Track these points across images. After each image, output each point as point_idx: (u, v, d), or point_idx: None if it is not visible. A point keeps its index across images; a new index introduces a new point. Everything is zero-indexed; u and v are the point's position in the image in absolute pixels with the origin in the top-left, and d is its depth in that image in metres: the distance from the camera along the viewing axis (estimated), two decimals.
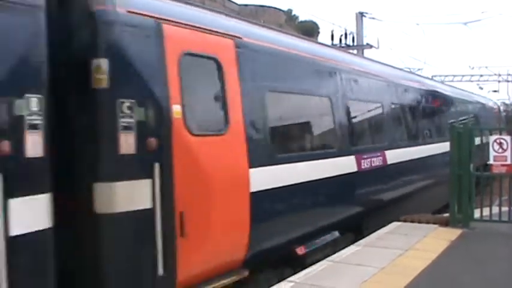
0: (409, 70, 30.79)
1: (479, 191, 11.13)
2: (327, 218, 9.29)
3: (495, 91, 47.87)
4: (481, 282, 7.37)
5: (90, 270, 5.51)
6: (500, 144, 10.22)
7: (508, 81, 44.60)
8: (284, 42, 9.06)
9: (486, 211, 10.90)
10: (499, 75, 42.81)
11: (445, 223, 10.84)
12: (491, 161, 10.34)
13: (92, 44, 5.49)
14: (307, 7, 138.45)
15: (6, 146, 4.51)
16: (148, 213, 5.67)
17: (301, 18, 74.44)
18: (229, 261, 6.91)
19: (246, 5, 59.50)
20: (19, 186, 4.61)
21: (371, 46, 38.04)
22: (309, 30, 72.03)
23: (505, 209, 10.71)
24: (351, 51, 30.37)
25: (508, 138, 10.29)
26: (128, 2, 5.85)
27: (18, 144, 4.61)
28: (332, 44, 37.27)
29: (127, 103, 5.56)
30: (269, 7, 60.44)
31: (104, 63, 5.42)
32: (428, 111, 16.33)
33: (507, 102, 51.91)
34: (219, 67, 6.92)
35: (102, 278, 5.52)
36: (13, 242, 4.52)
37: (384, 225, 10.77)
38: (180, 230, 5.96)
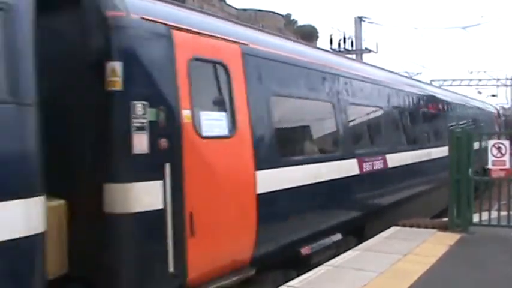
0: (407, 74, 30.88)
1: (478, 196, 11.19)
2: (331, 219, 9.64)
3: (494, 95, 48.04)
4: (481, 287, 7.39)
5: (105, 269, 5.72)
6: (499, 148, 10.26)
7: (506, 85, 44.70)
8: (288, 48, 9.37)
9: (485, 215, 10.96)
10: (498, 79, 42.92)
11: (444, 228, 10.88)
12: (490, 166, 10.39)
13: (107, 47, 5.74)
14: (306, 11, 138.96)
15: None
16: (160, 214, 5.91)
17: (300, 23, 74.76)
18: (236, 260, 7.15)
19: (244, 10, 59.70)
20: None
21: (370, 50, 38.21)
22: (308, 35, 72.36)
23: (503, 213, 10.76)
24: (349, 55, 30.47)
25: (506, 142, 10.35)
26: (141, 8, 6.17)
27: None
28: (331, 48, 37.48)
29: (139, 105, 5.83)
30: (268, 11, 60.61)
31: (118, 66, 5.69)
32: (424, 117, 16.35)
33: (506, 106, 52.10)
34: (227, 72, 7.19)
35: (117, 277, 5.75)
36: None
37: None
38: (190, 230, 6.21)
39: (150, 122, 5.88)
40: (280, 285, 7.35)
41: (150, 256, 5.91)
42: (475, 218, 11.04)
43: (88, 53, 5.78)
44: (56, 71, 5.64)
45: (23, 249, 4.56)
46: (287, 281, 7.62)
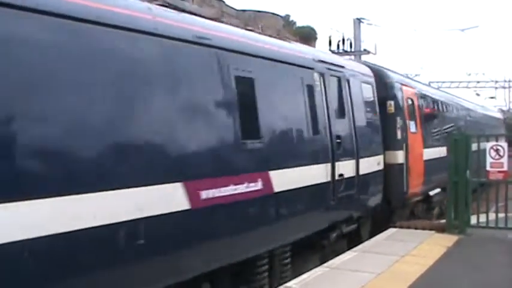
0: (406, 76, 30.86)
1: (476, 198, 11.18)
2: None
3: (492, 97, 48.10)
4: None
5: (391, 185, 12.62)
6: (497, 150, 10.27)
7: (505, 87, 44.77)
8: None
9: (483, 217, 10.94)
10: (496, 81, 42.98)
11: (441, 229, 10.89)
12: (488, 168, 10.38)
13: (387, 94, 12.92)
14: (304, 13, 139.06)
15: None
16: (402, 165, 12.80)
17: (299, 24, 74.72)
18: (419, 189, 14.24)
19: (244, 10, 59.57)
20: None
21: (368, 52, 38.19)
22: (307, 36, 72.25)
23: (501, 215, 10.78)
24: (348, 56, 30.55)
25: (504, 144, 10.34)
26: (398, 79, 14.17)
27: None
28: (330, 49, 37.48)
29: (399, 119, 13.00)
30: (267, 12, 60.38)
31: (391, 102, 12.95)
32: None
33: (504, 108, 52.15)
34: (413, 103, 14.43)
35: (391, 189, 12.58)
36: None
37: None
38: (408, 173, 13.03)
39: (401, 126, 12.95)
40: (278, 286, 7.34)
41: (400, 182, 12.73)
42: (473, 220, 11.04)
43: (381, 97, 12.57)
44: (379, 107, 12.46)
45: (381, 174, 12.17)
46: (284, 282, 7.63)
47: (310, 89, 9.09)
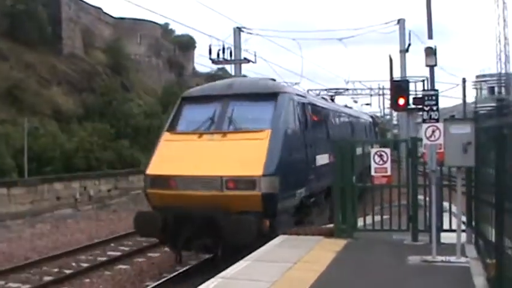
0: (286, 84, 31.55)
1: (363, 201, 11.53)
2: None
3: (368, 104, 50.37)
4: None
5: None
6: (381, 156, 10.59)
7: (379, 94, 46.99)
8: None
9: (369, 219, 11.27)
10: (371, 89, 44.98)
11: (329, 234, 11.09)
12: (372, 173, 10.68)
13: None
14: (184, 21, 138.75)
15: None
16: None
17: (178, 32, 74.42)
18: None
19: (122, 18, 58.49)
20: None
21: (248, 61, 38.66)
22: (185, 44, 72.12)
23: (386, 217, 11.15)
24: (228, 65, 31.09)
25: (387, 150, 10.69)
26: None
27: None
28: (210, 58, 37.53)
29: None
30: (146, 21, 59.68)
31: None
32: None
33: (378, 114, 54.82)
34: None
35: None
36: None
37: None
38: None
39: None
40: None
41: None
42: (361, 223, 11.33)
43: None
44: None
45: None
46: None
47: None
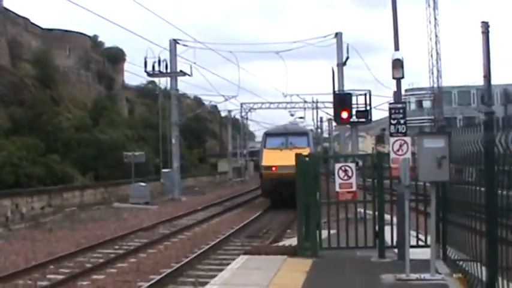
0: (222, 98, 31.67)
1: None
2: None
3: (301, 118, 50.71)
4: None
5: None
6: (346, 171, 10.27)
7: (313, 108, 47.33)
8: None
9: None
10: (305, 102, 45.27)
11: (292, 253, 10.64)
12: (337, 189, 10.34)
13: None
14: (113, 34, 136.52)
15: None
16: None
17: (108, 45, 73.00)
18: None
19: (50, 29, 56.67)
20: None
21: (184, 73, 38.07)
22: (115, 56, 70.71)
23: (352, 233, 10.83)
24: (164, 78, 30.63)
25: (352, 165, 10.39)
26: None
27: None
28: (145, 70, 36.70)
29: None
30: (75, 32, 58.19)
31: None
32: None
33: (312, 128, 55.28)
34: None
35: None
36: None
37: None
38: None
39: None
40: None
41: None
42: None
43: None
44: None
45: None
46: None
47: None
